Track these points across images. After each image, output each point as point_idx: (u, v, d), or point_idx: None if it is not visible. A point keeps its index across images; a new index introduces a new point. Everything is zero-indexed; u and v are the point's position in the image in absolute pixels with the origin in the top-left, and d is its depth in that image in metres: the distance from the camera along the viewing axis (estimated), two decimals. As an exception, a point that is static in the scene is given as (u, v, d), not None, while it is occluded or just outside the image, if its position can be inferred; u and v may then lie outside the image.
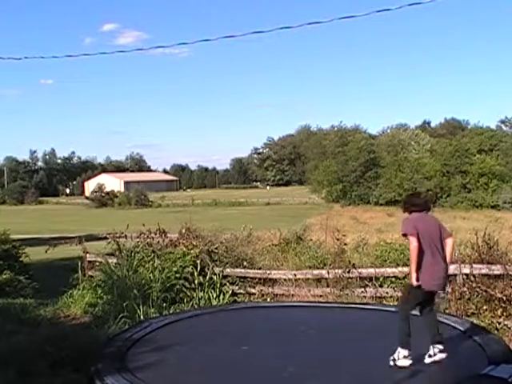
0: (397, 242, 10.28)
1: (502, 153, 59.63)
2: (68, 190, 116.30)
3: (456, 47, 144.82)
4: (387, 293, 8.74)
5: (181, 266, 9.41)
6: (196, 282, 9.33)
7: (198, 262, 9.56)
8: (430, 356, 5.18)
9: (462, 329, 6.24)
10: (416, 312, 5.32)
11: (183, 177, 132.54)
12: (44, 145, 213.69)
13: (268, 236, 13.72)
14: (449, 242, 5.32)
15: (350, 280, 9.16)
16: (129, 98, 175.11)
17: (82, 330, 7.48)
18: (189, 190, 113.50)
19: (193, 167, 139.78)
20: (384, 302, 8.59)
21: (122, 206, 69.82)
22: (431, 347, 5.18)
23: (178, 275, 9.27)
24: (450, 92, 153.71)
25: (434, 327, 5.27)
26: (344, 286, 9.07)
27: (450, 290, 7.99)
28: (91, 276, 10.52)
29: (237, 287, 9.77)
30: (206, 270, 9.57)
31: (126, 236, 11.12)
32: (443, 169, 57.91)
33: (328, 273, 9.38)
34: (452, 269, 8.18)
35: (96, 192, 78.37)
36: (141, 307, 8.30)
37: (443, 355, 5.16)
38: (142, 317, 8.15)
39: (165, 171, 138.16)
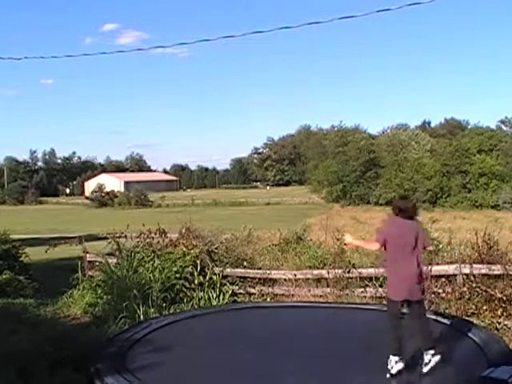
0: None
1: (502, 153, 59.61)
2: (68, 190, 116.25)
3: (456, 47, 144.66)
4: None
5: (181, 266, 9.40)
6: (196, 281, 9.32)
7: (198, 261, 9.55)
8: (425, 364, 5.14)
9: (462, 329, 6.24)
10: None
11: (183, 177, 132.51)
12: (44, 145, 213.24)
13: (268, 236, 13.75)
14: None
15: (349, 280, 9.15)
16: (129, 98, 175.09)
17: (82, 329, 7.48)
18: (189, 190, 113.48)
19: (193, 167, 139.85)
20: (384, 302, 8.57)
21: (121, 206, 69.81)
22: (424, 354, 5.14)
23: (177, 275, 9.26)
24: (450, 92, 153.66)
25: (424, 333, 5.20)
26: (344, 286, 9.07)
27: (450, 290, 8.00)
28: (91, 276, 10.51)
29: (237, 287, 9.77)
30: (206, 270, 9.57)
31: (125, 236, 11.11)
32: (443, 169, 57.92)
33: (328, 273, 9.38)
34: (452, 269, 8.21)
35: (96, 192, 78.34)
36: (141, 307, 8.30)
37: (437, 358, 5.12)
38: (141, 317, 8.14)
39: (165, 171, 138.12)
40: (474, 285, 7.80)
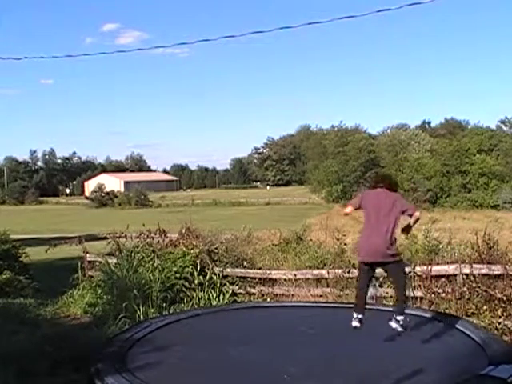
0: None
1: (502, 153, 59.60)
2: (68, 190, 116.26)
3: (456, 47, 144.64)
4: (387, 293, 8.72)
5: (181, 266, 9.41)
6: (196, 281, 9.33)
7: (198, 261, 9.55)
8: (391, 326, 5.28)
9: (462, 329, 6.24)
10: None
11: (183, 177, 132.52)
12: (44, 145, 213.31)
13: (268, 236, 13.74)
14: (413, 216, 5.36)
15: (349, 280, 9.15)
16: (129, 98, 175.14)
17: (82, 329, 7.48)
18: (189, 190, 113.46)
19: (193, 167, 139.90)
20: (384, 302, 8.58)
21: (121, 206, 69.78)
22: (392, 318, 5.26)
23: (177, 275, 9.27)
24: (450, 92, 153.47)
25: (399, 295, 5.32)
26: (344, 286, 9.07)
27: (450, 290, 8.00)
28: (91, 276, 10.52)
29: (237, 287, 9.77)
30: (206, 270, 9.57)
31: (125, 236, 11.11)
32: (443, 169, 57.89)
33: (328, 273, 9.38)
34: (452, 269, 8.21)
35: (96, 192, 78.31)
36: (141, 307, 8.30)
37: (401, 329, 5.30)
38: (141, 317, 8.15)
39: (165, 171, 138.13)
40: (473, 285, 7.81)
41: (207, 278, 9.44)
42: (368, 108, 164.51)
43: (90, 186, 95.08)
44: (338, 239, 10.47)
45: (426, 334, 6.15)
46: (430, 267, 8.26)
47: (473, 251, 8.65)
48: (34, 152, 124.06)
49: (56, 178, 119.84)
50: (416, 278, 8.38)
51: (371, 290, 5.20)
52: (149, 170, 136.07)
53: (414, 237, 10.66)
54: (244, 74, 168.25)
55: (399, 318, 5.11)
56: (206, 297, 9.24)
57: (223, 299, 9.31)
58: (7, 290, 10.68)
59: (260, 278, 9.86)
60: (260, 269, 10.15)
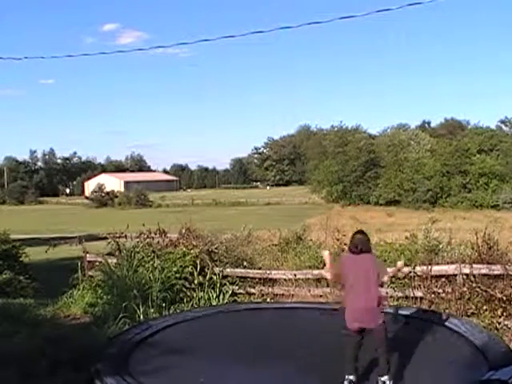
0: (397, 242, 10.28)
1: (502, 153, 59.64)
2: (68, 190, 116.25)
3: (456, 47, 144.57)
4: (387, 293, 8.71)
5: (181, 266, 9.40)
6: (196, 282, 9.32)
7: (198, 262, 9.55)
8: None
9: (461, 329, 6.24)
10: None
11: (183, 177, 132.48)
12: (44, 145, 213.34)
13: (268, 236, 13.71)
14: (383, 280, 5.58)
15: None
16: (129, 98, 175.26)
17: (82, 330, 7.47)
18: (189, 190, 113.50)
19: (193, 167, 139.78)
20: (384, 302, 8.57)
21: (122, 206, 69.82)
22: (378, 380, 5.09)
23: (177, 275, 9.26)
24: (449, 92, 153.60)
25: (381, 360, 5.14)
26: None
27: (450, 290, 8.00)
28: (91, 276, 10.50)
29: (237, 287, 9.76)
30: (206, 270, 9.57)
31: (126, 236, 11.11)
32: (443, 169, 57.91)
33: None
34: (452, 269, 8.20)
35: (96, 192, 78.35)
36: (141, 307, 8.30)
37: None
38: (141, 317, 8.15)
39: (165, 171, 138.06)
40: (474, 285, 7.80)
41: (207, 278, 9.44)
42: (368, 108, 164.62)
43: (89, 186, 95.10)
44: (337, 239, 10.45)
45: (425, 335, 6.16)
46: (430, 267, 8.26)
47: (473, 251, 8.64)
48: (34, 152, 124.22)
49: (56, 178, 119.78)
50: (416, 278, 8.37)
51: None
52: (149, 170, 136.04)
53: (414, 237, 10.66)
54: (244, 74, 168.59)
55: (384, 378, 5.04)
56: (206, 297, 9.24)
57: (223, 299, 9.30)
58: (7, 290, 10.68)
59: (260, 278, 9.86)
60: (260, 269, 10.14)
